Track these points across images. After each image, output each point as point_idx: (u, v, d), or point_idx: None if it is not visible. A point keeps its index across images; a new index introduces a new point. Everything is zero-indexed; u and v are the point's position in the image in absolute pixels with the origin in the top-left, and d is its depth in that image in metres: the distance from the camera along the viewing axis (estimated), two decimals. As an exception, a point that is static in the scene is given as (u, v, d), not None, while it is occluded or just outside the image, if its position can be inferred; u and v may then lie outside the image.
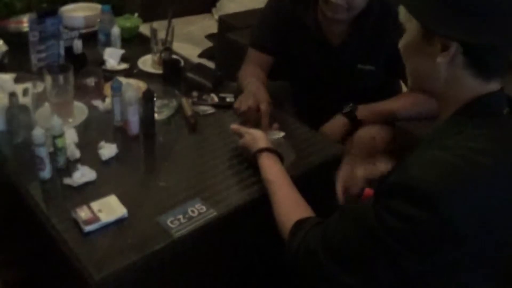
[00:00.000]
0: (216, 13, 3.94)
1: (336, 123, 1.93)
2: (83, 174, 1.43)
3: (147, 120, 1.65)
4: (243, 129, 1.56)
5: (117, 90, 1.63)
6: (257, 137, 1.50)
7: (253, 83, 1.86)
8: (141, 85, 1.88)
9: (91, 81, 1.80)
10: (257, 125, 1.67)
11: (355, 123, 1.92)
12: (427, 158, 1.00)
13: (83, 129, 1.65)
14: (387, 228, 0.98)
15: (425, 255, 0.98)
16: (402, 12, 1.09)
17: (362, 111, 1.92)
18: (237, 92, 1.88)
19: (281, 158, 1.47)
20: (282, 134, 1.66)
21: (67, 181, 1.42)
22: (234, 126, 1.60)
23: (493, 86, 1.04)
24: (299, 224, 1.21)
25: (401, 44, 1.13)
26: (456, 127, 1.04)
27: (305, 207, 1.30)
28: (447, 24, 1.00)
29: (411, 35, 1.09)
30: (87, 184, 1.43)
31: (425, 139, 1.11)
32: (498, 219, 0.99)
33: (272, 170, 1.41)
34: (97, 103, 1.78)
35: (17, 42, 2.08)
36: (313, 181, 1.64)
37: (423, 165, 0.98)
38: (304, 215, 1.24)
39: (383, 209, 0.99)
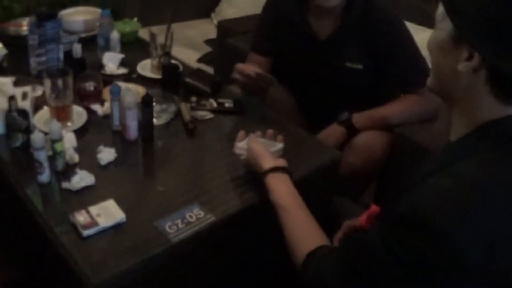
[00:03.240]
0: (215, 18, 3.94)
1: (333, 132, 1.96)
2: (82, 178, 1.43)
3: (145, 125, 1.65)
4: (241, 144, 1.51)
5: (116, 94, 1.64)
6: (260, 155, 1.42)
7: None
8: (140, 90, 1.89)
9: (90, 85, 1.81)
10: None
11: (352, 131, 1.93)
12: (436, 186, 0.97)
13: (82, 133, 1.65)
14: (396, 260, 0.96)
15: (434, 285, 0.96)
16: (440, 9, 1.06)
17: (358, 118, 1.94)
18: (236, 97, 1.90)
19: (289, 173, 1.41)
20: (280, 144, 1.56)
21: (65, 185, 1.42)
22: (239, 144, 1.53)
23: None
24: (311, 255, 1.18)
25: (430, 39, 1.10)
26: (468, 150, 1.01)
27: (316, 233, 1.25)
28: (477, 35, 0.97)
29: (441, 33, 1.05)
30: (85, 188, 1.43)
31: (434, 160, 1.09)
32: (507, 248, 0.96)
33: (281, 192, 1.34)
34: (96, 107, 1.79)
35: (17, 45, 2.09)
36: (310, 186, 1.64)
37: (432, 194, 0.95)
38: (315, 243, 1.20)
39: (392, 239, 0.97)
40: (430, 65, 1.14)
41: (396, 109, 1.96)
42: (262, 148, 1.45)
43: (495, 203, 0.94)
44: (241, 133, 1.56)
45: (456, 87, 1.04)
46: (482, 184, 0.94)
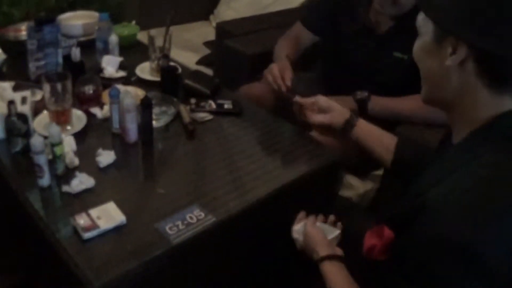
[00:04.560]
0: (214, 21, 3.94)
1: (345, 103, 1.92)
2: (82, 182, 1.43)
3: (145, 127, 1.65)
4: (302, 227, 1.44)
5: (115, 97, 1.64)
6: (317, 241, 1.36)
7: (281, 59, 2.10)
8: (139, 93, 1.89)
9: (89, 89, 1.81)
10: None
11: (362, 111, 1.96)
12: (453, 203, 0.94)
13: (81, 137, 1.65)
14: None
15: None
16: (420, 17, 1.08)
17: (374, 104, 1.97)
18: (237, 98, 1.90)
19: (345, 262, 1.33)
20: (338, 231, 1.45)
21: (65, 188, 1.42)
22: (296, 226, 1.46)
23: (508, 102, 1.01)
24: None
25: (414, 47, 1.11)
26: (471, 153, 1.00)
27: None
28: (458, 24, 0.98)
29: (423, 39, 1.07)
30: (85, 191, 1.43)
31: (438, 165, 1.08)
32: None
33: (337, 280, 1.28)
34: (95, 110, 1.79)
35: (16, 50, 2.09)
36: (311, 186, 1.65)
37: (453, 216, 0.92)
38: None
39: (425, 278, 0.95)
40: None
41: (412, 106, 1.92)
42: (319, 234, 1.39)
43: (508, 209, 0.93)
44: (301, 214, 1.50)
45: (449, 88, 1.04)
46: (497, 194, 0.93)
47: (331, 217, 1.51)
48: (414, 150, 1.53)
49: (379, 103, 1.99)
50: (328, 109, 1.67)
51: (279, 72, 1.97)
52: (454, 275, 0.91)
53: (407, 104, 1.94)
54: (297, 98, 1.75)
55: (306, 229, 1.41)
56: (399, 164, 1.53)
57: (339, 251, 1.35)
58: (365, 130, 1.62)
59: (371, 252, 1.19)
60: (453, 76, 1.02)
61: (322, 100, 1.69)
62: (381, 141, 1.60)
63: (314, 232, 1.39)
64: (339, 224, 1.50)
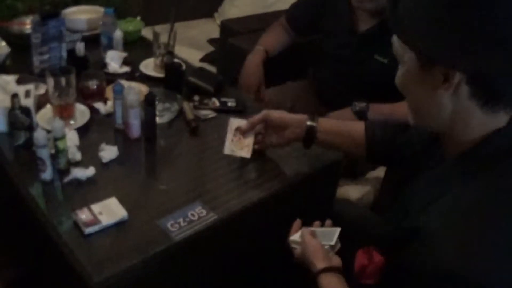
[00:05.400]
0: (218, 18, 3.94)
1: (344, 117, 1.96)
2: (81, 169, 1.45)
3: (148, 124, 1.65)
4: (297, 238, 1.36)
5: (119, 93, 1.64)
6: (313, 253, 1.29)
7: (253, 61, 2.28)
8: (143, 89, 1.89)
9: (93, 84, 1.80)
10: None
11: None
12: (449, 229, 0.91)
13: (84, 132, 1.65)
14: None
15: None
16: (396, 44, 1.02)
17: (374, 113, 1.97)
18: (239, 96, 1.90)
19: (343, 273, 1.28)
20: (338, 229, 1.37)
21: (67, 178, 1.43)
22: (292, 237, 1.39)
23: (502, 118, 0.98)
24: None
25: (398, 79, 1.06)
26: (465, 173, 0.98)
27: None
28: (448, 51, 0.92)
29: (407, 68, 1.01)
30: (87, 185, 1.43)
31: (430, 183, 1.06)
32: None
33: None
34: (99, 105, 1.78)
35: (20, 44, 2.09)
36: (311, 187, 1.65)
37: (450, 245, 0.90)
38: None
39: None
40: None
41: (405, 110, 1.94)
42: (316, 245, 1.30)
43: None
44: (296, 224, 1.43)
45: (442, 116, 1.00)
46: (495, 218, 0.91)
47: (328, 222, 1.43)
48: (384, 129, 1.48)
49: (378, 111, 1.97)
50: (283, 125, 1.53)
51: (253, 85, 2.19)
52: None
53: (403, 108, 1.94)
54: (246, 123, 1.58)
55: (303, 239, 1.34)
56: (373, 147, 1.47)
57: (336, 262, 1.29)
58: (329, 129, 1.52)
59: (362, 273, 1.18)
60: (446, 103, 0.98)
61: (273, 115, 1.54)
62: (348, 132, 1.52)
63: (311, 243, 1.31)
64: (335, 237, 1.37)
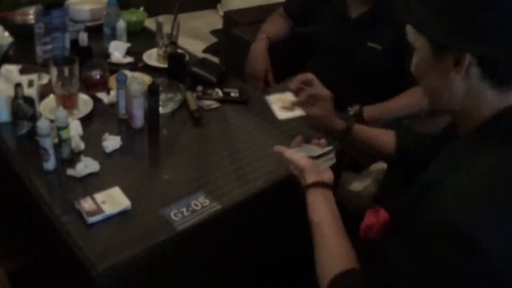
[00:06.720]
0: (221, 9, 3.93)
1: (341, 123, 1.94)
2: (86, 166, 1.43)
3: (151, 114, 1.65)
4: (288, 155, 1.37)
5: (122, 83, 1.63)
6: (303, 168, 1.31)
7: (259, 48, 2.28)
8: (146, 79, 1.88)
9: (96, 74, 1.80)
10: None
11: (360, 122, 1.93)
12: (458, 189, 0.94)
13: (87, 121, 1.66)
14: (427, 275, 0.93)
15: None
16: (410, 32, 1.07)
17: (368, 111, 1.93)
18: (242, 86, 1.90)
19: (333, 189, 1.30)
20: (318, 153, 1.37)
21: (70, 172, 1.42)
22: (278, 149, 1.40)
23: None
24: (339, 278, 1.10)
25: (413, 65, 1.10)
26: (479, 147, 1.00)
27: (346, 254, 1.15)
28: (457, 36, 0.97)
29: (421, 54, 1.06)
30: (91, 175, 1.43)
31: (444, 160, 1.07)
32: None
33: (318, 210, 1.23)
34: (102, 95, 1.78)
35: (23, 34, 2.09)
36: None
37: (457, 200, 0.92)
38: (344, 265, 1.12)
39: (422, 253, 0.94)
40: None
41: (401, 104, 1.95)
42: (307, 161, 1.32)
43: None
44: (298, 139, 1.45)
45: (456, 98, 1.04)
46: (502, 183, 0.92)
47: (322, 141, 1.43)
48: (414, 139, 1.49)
49: (374, 111, 1.94)
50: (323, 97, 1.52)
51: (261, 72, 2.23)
52: (452, 256, 0.90)
53: (403, 103, 1.94)
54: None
55: (296, 155, 1.34)
56: (403, 154, 1.50)
57: (326, 177, 1.30)
58: (363, 130, 1.55)
59: (369, 231, 1.19)
60: (458, 85, 1.02)
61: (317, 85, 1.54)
62: (381, 134, 1.54)
63: (302, 159, 1.32)
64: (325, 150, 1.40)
